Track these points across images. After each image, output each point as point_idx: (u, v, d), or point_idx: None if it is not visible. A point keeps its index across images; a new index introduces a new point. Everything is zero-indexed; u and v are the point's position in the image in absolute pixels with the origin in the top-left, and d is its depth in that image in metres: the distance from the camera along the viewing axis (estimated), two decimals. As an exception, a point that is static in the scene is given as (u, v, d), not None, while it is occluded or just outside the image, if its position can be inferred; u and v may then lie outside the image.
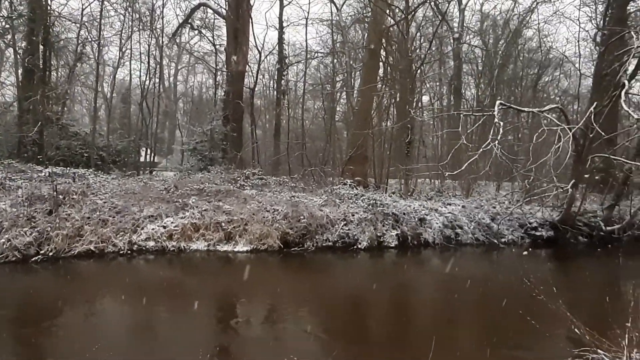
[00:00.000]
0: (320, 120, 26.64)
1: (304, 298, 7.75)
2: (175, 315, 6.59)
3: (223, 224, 11.06)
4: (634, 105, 20.87)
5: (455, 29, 25.26)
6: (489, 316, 6.50)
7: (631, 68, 12.50)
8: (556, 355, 4.42)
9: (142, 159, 21.25)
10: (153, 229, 10.54)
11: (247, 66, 20.38)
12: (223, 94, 19.81)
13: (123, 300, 7.34)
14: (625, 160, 12.30)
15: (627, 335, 4.17)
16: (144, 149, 20.73)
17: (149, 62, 20.04)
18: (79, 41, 18.85)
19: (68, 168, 13.65)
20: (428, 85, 28.70)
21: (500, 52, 25.02)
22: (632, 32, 11.78)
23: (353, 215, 12.32)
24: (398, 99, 19.47)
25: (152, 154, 21.01)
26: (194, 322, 6.21)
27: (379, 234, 12.13)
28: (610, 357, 4.21)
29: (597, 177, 15.55)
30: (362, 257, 11.25)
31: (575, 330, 4.45)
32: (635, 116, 10.00)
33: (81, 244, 9.75)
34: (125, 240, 10.14)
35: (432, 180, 20.34)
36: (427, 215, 13.05)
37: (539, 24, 26.59)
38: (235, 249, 10.79)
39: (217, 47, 22.52)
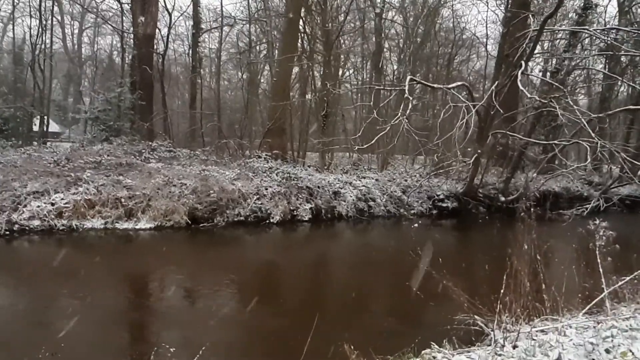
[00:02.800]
0: (243, 92, 25.63)
1: (204, 276, 7.42)
2: (61, 305, 5.88)
3: (123, 200, 10.21)
4: (532, 85, 22.55)
5: (378, 4, 25.37)
6: (379, 288, 6.72)
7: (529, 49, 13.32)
8: (438, 322, 4.59)
9: (37, 129, 18.97)
10: (38, 207, 9.41)
11: (157, 29, 18.76)
12: (130, 58, 18.13)
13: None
14: (520, 137, 13.30)
15: (499, 301, 4.41)
16: (38, 117, 18.42)
17: (40, 18, 17.62)
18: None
19: None
20: (353, 60, 28.92)
21: (419, 30, 25.67)
22: (530, 16, 12.55)
23: (266, 189, 12.05)
24: (317, 72, 19.28)
25: (47, 123, 18.76)
26: (80, 311, 5.57)
27: (292, 208, 12.02)
28: (483, 322, 4.44)
29: (500, 151, 16.77)
30: (274, 232, 11.09)
31: (459, 298, 4.63)
32: (529, 95, 10.72)
33: (-54, 225, 8.45)
34: (3, 219, 8.93)
35: (351, 154, 20.64)
36: (341, 188, 13.18)
37: (452, 4, 27.60)
38: (137, 227, 10.05)
39: (124, 6, 20.40)
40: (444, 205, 14.53)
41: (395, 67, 29.12)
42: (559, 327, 3.99)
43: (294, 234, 11.24)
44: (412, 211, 13.97)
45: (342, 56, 26.05)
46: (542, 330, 4.09)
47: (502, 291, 4.49)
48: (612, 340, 3.00)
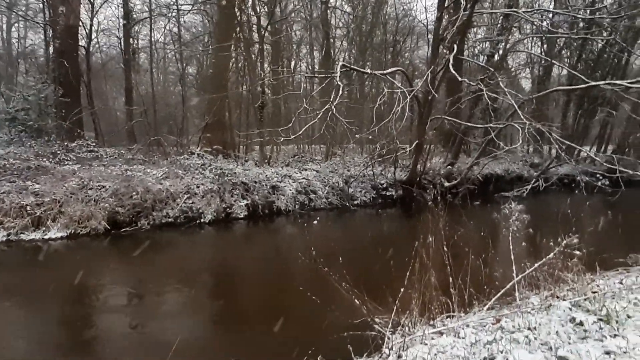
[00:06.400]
0: (187, 87, 24.44)
1: (116, 288, 6.72)
2: None
3: (29, 208, 9.23)
4: (478, 68, 22.50)
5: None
6: (279, 294, 6.29)
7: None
8: (334, 327, 4.13)
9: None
10: None
11: (81, 21, 17.41)
12: (52, 52, 16.73)
13: None
14: (457, 121, 13.17)
15: (397, 302, 4.01)
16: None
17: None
18: None
19: None
20: (305, 51, 28.28)
21: (367, 18, 25.38)
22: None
23: (198, 187, 11.36)
24: (265, 62, 18.51)
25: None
26: None
27: (226, 206, 11.39)
28: (379, 324, 4.04)
29: (445, 137, 16.67)
30: (205, 232, 10.43)
31: (356, 301, 4.21)
32: (460, 78, 10.50)
33: None
34: None
35: (300, 146, 20.15)
36: (280, 182, 12.65)
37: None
38: (47, 236, 9.12)
39: (45, -4, 18.78)
40: (388, 194, 14.29)
41: (345, 55, 28.78)
42: (455, 327, 3.63)
43: (223, 234, 10.58)
44: (356, 202, 13.64)
45: (292, 46, 25.49)
46: (439, 332, 3.73)
47: (402, 289, 4.11)
48: (489, 349, 2.62)
